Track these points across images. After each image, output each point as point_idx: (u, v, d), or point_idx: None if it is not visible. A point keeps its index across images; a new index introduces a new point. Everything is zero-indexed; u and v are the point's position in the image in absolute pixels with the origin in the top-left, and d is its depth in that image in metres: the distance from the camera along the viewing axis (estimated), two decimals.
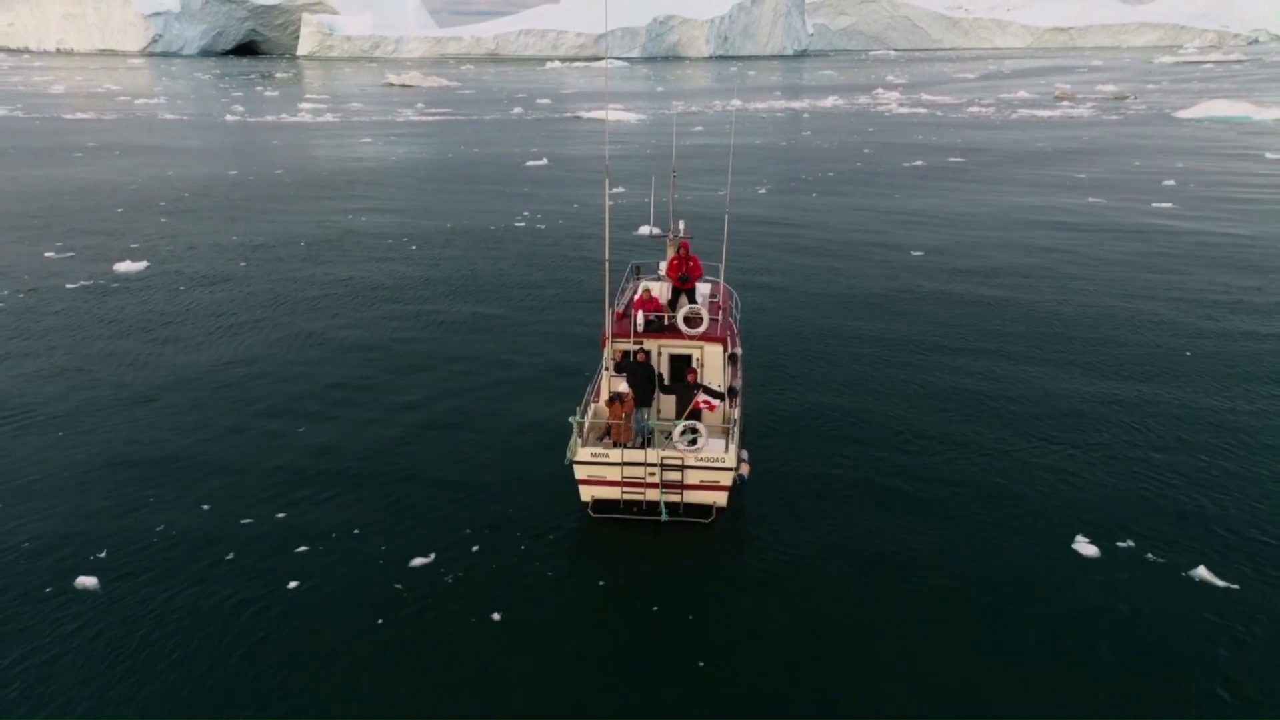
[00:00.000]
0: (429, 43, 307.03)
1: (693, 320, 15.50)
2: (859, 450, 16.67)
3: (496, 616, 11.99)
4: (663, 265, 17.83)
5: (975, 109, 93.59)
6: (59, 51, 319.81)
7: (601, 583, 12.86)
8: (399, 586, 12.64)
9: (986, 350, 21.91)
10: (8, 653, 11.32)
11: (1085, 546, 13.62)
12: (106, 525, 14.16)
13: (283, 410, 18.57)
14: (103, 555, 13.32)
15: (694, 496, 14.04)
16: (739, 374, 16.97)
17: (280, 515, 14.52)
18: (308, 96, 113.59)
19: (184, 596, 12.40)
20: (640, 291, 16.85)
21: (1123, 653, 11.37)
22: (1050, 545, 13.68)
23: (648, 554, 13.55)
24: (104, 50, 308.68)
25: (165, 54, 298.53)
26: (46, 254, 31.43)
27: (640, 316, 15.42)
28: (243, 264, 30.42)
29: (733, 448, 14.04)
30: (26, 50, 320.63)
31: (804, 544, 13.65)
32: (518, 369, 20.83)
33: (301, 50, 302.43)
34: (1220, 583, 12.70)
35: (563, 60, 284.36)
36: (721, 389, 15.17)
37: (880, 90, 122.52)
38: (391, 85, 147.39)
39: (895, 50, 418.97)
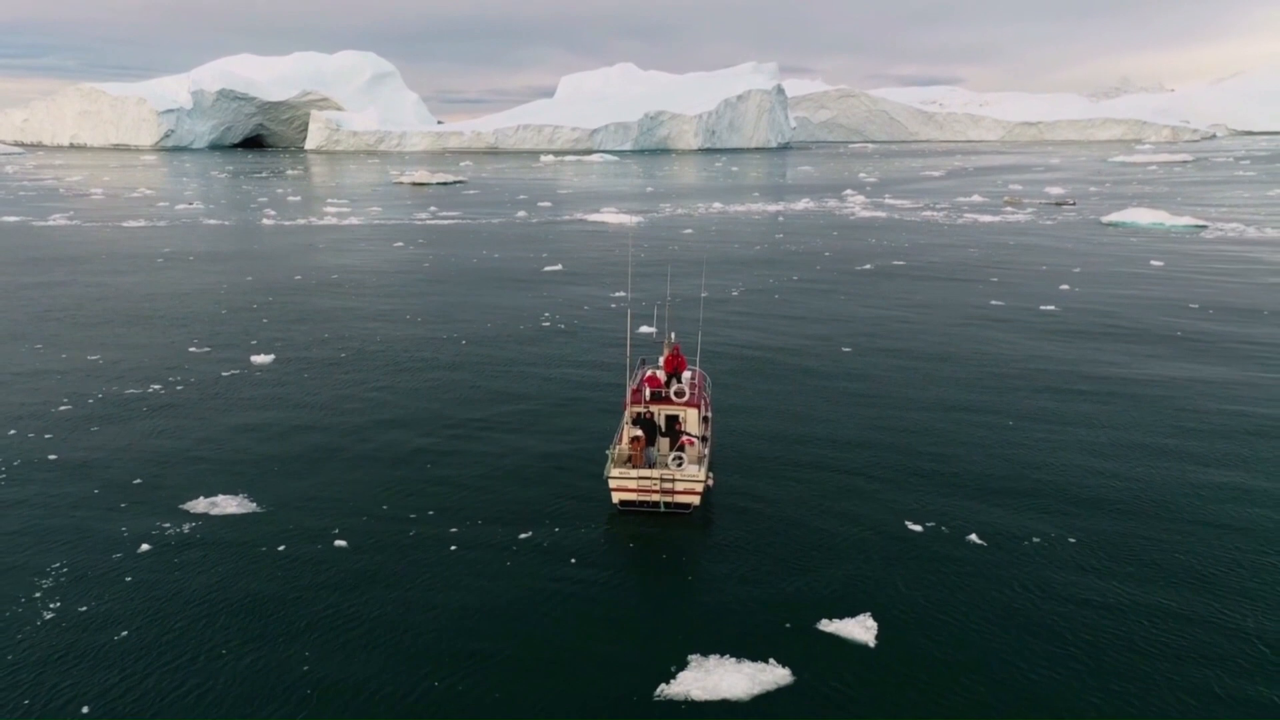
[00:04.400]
0: (431, 137, 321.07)
1: (680, 394, 25.45)
2: (784, 472, 26.47)
3: (573, 560, 21.61)
4: (660, 359, 27.88)
5: (929, 213, 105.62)
6: (72, 146, 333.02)
7: (631, 544, 22.56)
8: (515, 548, 22.25)
9: (881, 406, 31.85)
10: (299, 580, 20.87)
11: (913, 526, 23.33)
12: (334, 516, 23.86)
13: (420, 450, 28.37)
14: (335, 531, 22.98)
15: (680, 498, 23.72)
16: (709, 428, 26.95)
17: (430, 513, 24.18)
18: (330, 200, 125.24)
19: (393, 551, 22.01)
20: (647, 375, 26.83)
21: (925, 588, 20.97)
22: (892, 527, 23.34)
23: (654, 529, 23.23)
24: (117, 145, 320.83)
25: (175, 148, 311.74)
26: (190, 349, 41.36)
27: (647, 391, 25.41)
28: (342, 354, 40.40)
29: (703, 469, 23.86)
30: (41, 145, 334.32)
31: (742, 524, 23.39)
32: (570, 424, 30.74)
33: (310, 144, 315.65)
34: (980, 541, 22.44)
35: (556, 154, 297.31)
36: (697, 435, 25.07)
37: (849, 191, 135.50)
38: (401, 184, 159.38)
39: (872, 143, 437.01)
